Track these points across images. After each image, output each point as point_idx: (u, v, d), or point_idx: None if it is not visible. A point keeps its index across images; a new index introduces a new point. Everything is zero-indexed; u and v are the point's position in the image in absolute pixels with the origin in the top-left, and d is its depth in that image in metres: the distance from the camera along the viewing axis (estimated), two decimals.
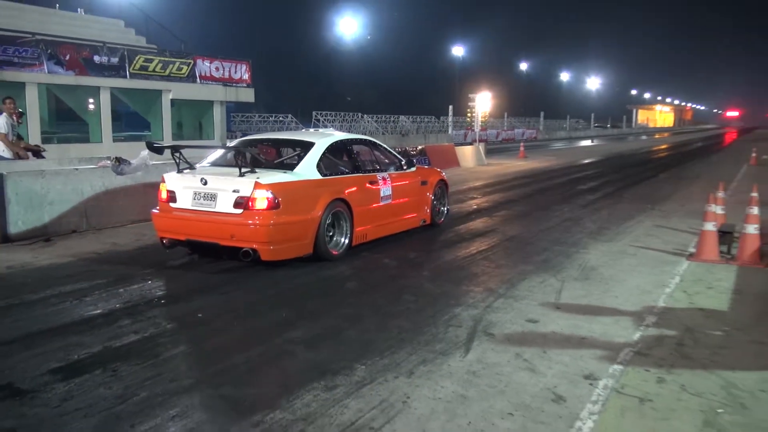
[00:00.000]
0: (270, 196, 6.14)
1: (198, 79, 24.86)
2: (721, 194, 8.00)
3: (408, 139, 41.95)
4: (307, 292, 5.80)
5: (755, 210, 7.04)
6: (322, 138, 7.47)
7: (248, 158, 6.59)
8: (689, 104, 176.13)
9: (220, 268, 6.60)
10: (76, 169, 9.13)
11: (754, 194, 7.45)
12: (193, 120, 27.41)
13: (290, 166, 6.88)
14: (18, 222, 7.91)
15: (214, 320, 4.96)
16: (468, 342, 4.44)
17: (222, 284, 6.04)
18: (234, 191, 6.24)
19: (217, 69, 25.74)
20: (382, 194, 7.76)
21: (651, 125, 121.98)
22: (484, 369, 3.97)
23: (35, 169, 8.73)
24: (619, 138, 64.35)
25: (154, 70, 23.07)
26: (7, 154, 10.04)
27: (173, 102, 24.09)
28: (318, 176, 6.85)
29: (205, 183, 6.42)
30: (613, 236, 8.57)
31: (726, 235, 7.41)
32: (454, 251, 7.66)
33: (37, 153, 11.07)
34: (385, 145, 8.74)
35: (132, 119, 28.76)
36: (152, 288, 5.91)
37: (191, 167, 6.90)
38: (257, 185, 6.14)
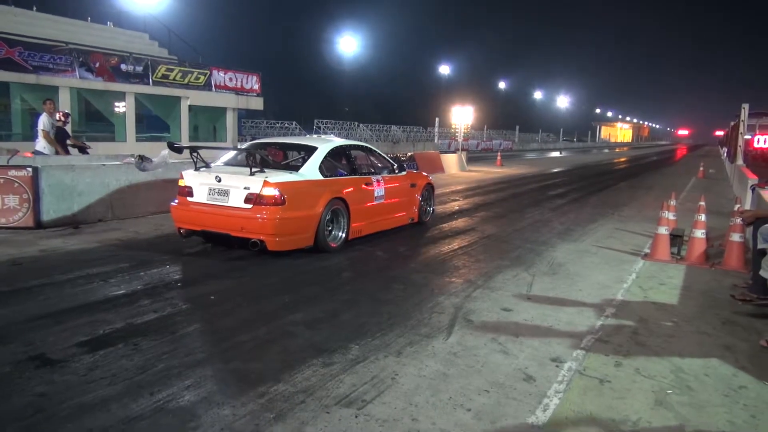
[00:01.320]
0: (277, 193, 6.20)
1: (213, 88, 24.72)
2: (673, 202, 8.04)
3: (398, 146, 41.91)
4: (306, 280, 5.78)
5: (702, 217, 7.11)
6: (324, 143, 7.49)
7: (258, 159, 6.55)
8: (646, 122, 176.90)
9: (229, 256, 6.57)
10: (103, 164, 9.05)
11: (702, 203, 7.49)
12: (208, 124, 27.28)
13: (295, 168, 6.93)
14: (50, 211, 7.84)
15: (224, 302, 4.94)
16: (450, 327, 4.45)
17: (232, 270, 6.01)
18: (245, 188, 6.28)
19: (230, 79, 25.61)
20: (375, 194, 7.80)
21: (612, 140, 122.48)
22: (463, 351, 3.97)
23: (66, 164, 8.66)
24: (584, 150, 64.58)
25: (174, 79, 22.93)
26: (47, 150, 9.97)
27: (191, 108, 23.97)
28: (320, 177, 6.90)
29: (219, 180, 6.45)
30: (578, 237, 8.61)
31: (676, 238, 7.46)
32: (438, 246, 7.67)
33: (83, 149, 10.99)
34: (379, 151, 8.76)
35: (153, 122, 28.50)
36: (169, 272, 5.88)
37: (207, 166, 6.91)
38: (266, 183, 6.20)
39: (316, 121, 41.13)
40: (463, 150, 26.00)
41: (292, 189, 6.39)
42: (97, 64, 20.34)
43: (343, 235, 7.14)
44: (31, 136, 21.92)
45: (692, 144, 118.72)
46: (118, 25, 26.57)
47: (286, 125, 39.08)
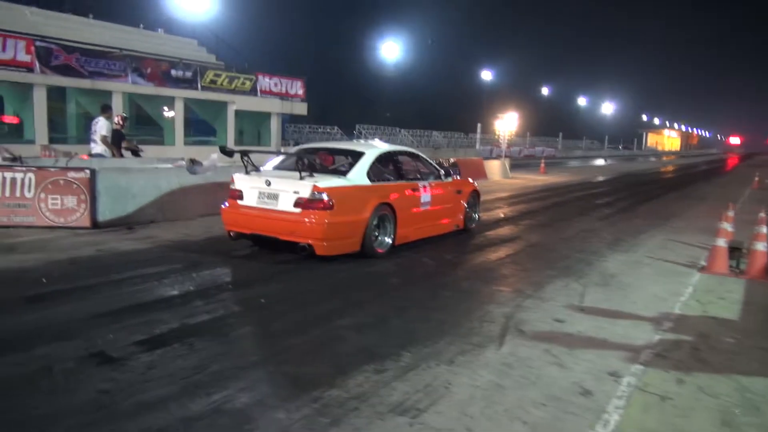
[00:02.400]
0: (325, 197, 6.22)
1: (259, 93, 25.18)
2: (731, 213, 7.74)
3: (440, 152, 41.78)
4: (354, 285, 5.80)
5: (764, 229, 6.82)
6: (372, 148, 7.49)
7: (306, 164, 6.60)
8: (695, 130, 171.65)
9: (277, 259, 6.64)
10: (156, 167, 9.31)
11: (763, 215, 7.20)
12: (252, 128, 27.77)
13: (343, 173, 6.92)
14: (105, 211, 8.10)
15: (274, 305, 4.99)
16: (501, 337, 4.38)
17: (280, 274, 6.07)
18: (294, 192, 6.34)
19: (275, 84, 26.04)
20: (422, 200, 7.74)
21: (659, 148, 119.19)
22: (517, 362, 3.90)
23: (121, 167, 8.94)
24: (629, 158, 63.04)
25: (221, 84, 23.46)
26: (107, 153, 10.33)
27: (237, 112, 24.47)
28: (367, 182, 6.88)
29: (269, 184, 6.53)
30: (629, 247, 8.38)
31: (735, 251, 7.18)
32: (484, 254, 7.58)
33: (136, 152, 11.35)
34: (425, 157, 8.66)
35: (200, 126, 29.20)
36: (220, 274, 5.99)
37: (257, 170, 7.01)
38: (315, 188, 6.23)
39: (357, 125, 41.42)
40: (505, 157, 25.70)
41: (341, 194, 6.39)
42: (149, 70, 20.98)
43: (390, 240, 7.11)
44: (85, 139, 22.77)
45: (744, 153, 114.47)
46: (168, 32, 27.35)
47: (328, 130, 39.45)
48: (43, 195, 7.80)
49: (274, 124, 26.42)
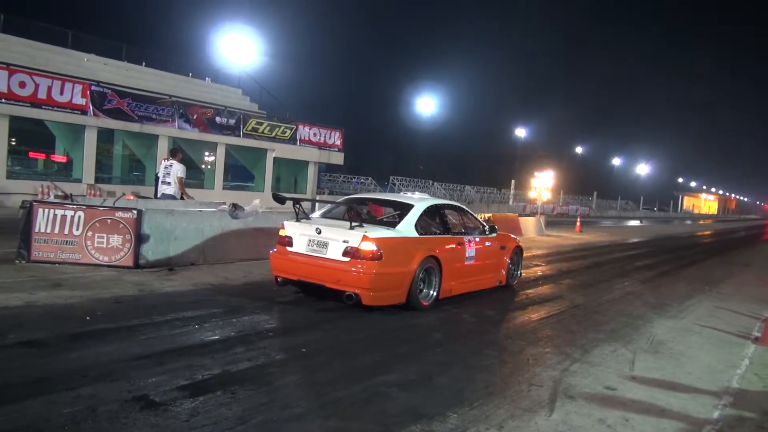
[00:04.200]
0: (374, 248, 6.21)
1: (298, 142, 25.77)
2: None
3: (472, 206, 41.66)
4: (398, 337, 5.67)
5: None
6: (420, 201, 7.48)
7: (356, 214, 6.62)
8: (733, 194, 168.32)
9: (319, 307, 6.57)
10: (200, 211, 9.45)
11: None
12: (289, 176, 28.31)
13: (392, 224, 6.93)
14: (149, 252, 8.19)
15: (316, 355, 4.89)
16: (551, 402, 4.19)
17: (322, 323, 5.99)
18: (344, 241, 6.33)
19: (314, 134, 26.64)
20: (467, 255, 7.68)
21: (696, 211, 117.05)
22: (569, 431, 3.71)
23: (166, 209, 9.10)
24: (665, 221, 61.97)
25: (263, 132, 24.11)
26: (178, 195, 10.60)
27: (275, 159, 25.01)
28: (415, 234, 6.85)
29: (320, 232, 6.55)
30: (676, 313, 8.07)
31: None
32: (527, 313, 7.39)
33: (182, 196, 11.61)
34: (470, 211, 8.62)
35: (238, 171, 29.95)
36: (260, 320, 5.93)
37: (307, 217, 7.06)
38: (365, 238, 6.22)
39: (391, 177, 41.81)
40: (540, 214, 25.48)
41: (389, 245, 6.38)
42: (195, 116, 21.72)
43: (435, 293, 7.00)
44: (129, 180, 23.44)
45: None
46: (215, 81, 28.42)
47: (362, 180, 39.92)
48: (90, 233, 7.95)
49: (311, 173, 26.89)
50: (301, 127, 26.04)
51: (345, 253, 6.30)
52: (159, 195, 10.61)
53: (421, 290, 6.87)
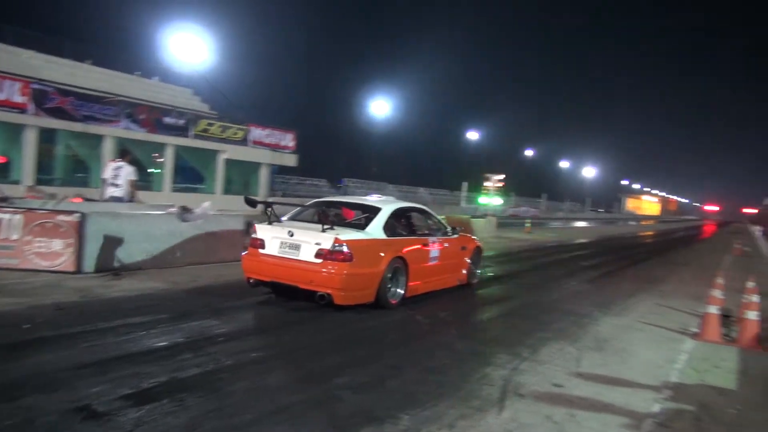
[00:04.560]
0: (346, 249, 6.38)
1: (250, 143, 25.39)
2: (720, 280, 7.77)
3: None
4: (351, 340, 5.66)
5: (755, 298, 6.84)
6: (387, 204, 7.71)
7: (326, 216, 6.82)
8: (674, 196, 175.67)
9: (270, 311, 6.50)
10: (147, 213, 9.19)
11: (752, 283, 7.24)
12: (241, 178, 27.86)
13: (362, 226, 7.10)
14: (92, 256, 7.91)
15: (268, 359, 4.83)
16: (501, 401, 4.26)
17: (273, 327, 5.93)
18: (316, 243, 6.47)
19: (267, 136, 26.33)
20: (431, 255, 7.89)
21: (638, 212, 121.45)
22: (519, 428, 3.78)
23: (111, 212, 8.80)
24: (610, 221, 63.96)
25: (214, 133, 23.67)
26: (127, 197, 10.17)
27: (227, 161, 24.58)
28: (383, 236, 7.05)
29: (292, 235, 6.67)
30: (619, 311, 8.34)
31: (726, 319, 7.18)
32: (479, 313, 7.52)
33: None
34: (434, 213, 8.88)
35: (188, 173, 29.27)
36: (210, 325, 5.79)
37: (278, 220, 7.18)
38: (336, 240, 6.39)
39: (345, 179, 41.71)
40: (492, 215, 25.93)
41: (359, 246, 6.57)
42: (142, 116, 21.12)
43: (402, 292, 7.23)
44: (73, 181, 22.54)
45: (721, 220, 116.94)
46: (164, 81, 27.70)
47: (316, 182, 39.64)
48: (29, 237, 7.62)
49: (264, 175, 26.55)
50: (253, 128, 25.69)
51: (317, 255, 6.43)
52: (106, 197, 10.25)
53: (390, 289, 7.03)
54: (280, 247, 6.74)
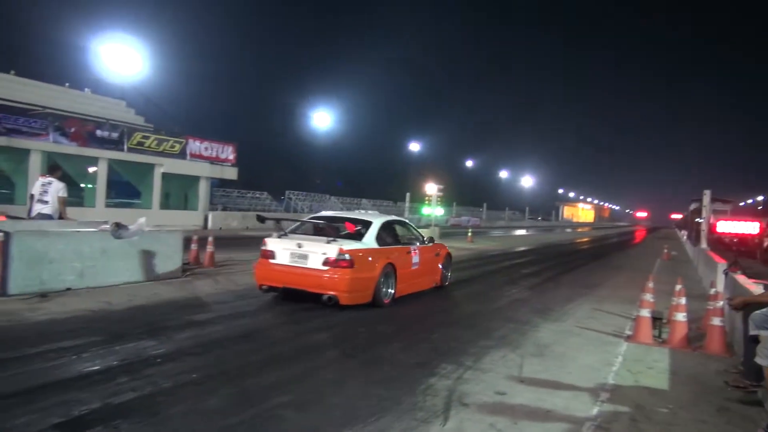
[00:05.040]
0: (348, 258, 7.52)
1: (188, 157, 24.75)
2: (651, 284, 8.12)
3: None
4: (290, 357, 5.54)
5: (683, 300, 7.18)
6: (377, 218, 8.86)
7: (325, 230, 8.19)
8: (607, 204, 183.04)
9: (210, 330, 6.32)
10: (78, 231, 8.78)
11: (680, 286, 7.60)
12: (180, 192, 27.10)
13: (358, 237, 8.17)
14: (18, 278, 7.47)
15: (208, 380, 4.68)
16: (445, 411, 4.28)
17: (213, 346, 5.74)
18: (323, 253, 7.58)
19: (206, 149, 25.73)
20: (413, 261, 9.09)
21: (574, 220, 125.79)
22: None
23: (39, 230, 8.37)
24: (548, 229, 65.94)
25: (149, 147, 22.92)
26: (56, 215, 9.66)
27: (164, 175, 23.85)
28: (377, 245, 8.23)
29: (300, 246, 7.78)
30: (558, 317, 8.59)
31: (656, 321, 7.50)
32: (421, 323, 7.54)
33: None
34: (412, 225, 10.17)
35: (123, 188, 28.22)
36: (147, 347, 5.57)
37: (285, 234, 8.25)
38: (341, 250, 7.54)
39: (287, 192, 41.23)
40: (434, 225, 26.22)
41: (359, 254, 7.73)
42: (72, 129, 20.24)
43: (393, 291, 8.35)
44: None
45: (651, 226, 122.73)
46: (96, 92, 26.67)
47: (257, 195, 38.98)
48: None
49: (203, 188, 25.90)
50: (191, 141, 25.04)
51: (324, 263, 7.54)
52: (33, 214, 9.72)
53: (383, 290, 8.12)
54: (291, 257, 7.79)
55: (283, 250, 7.87)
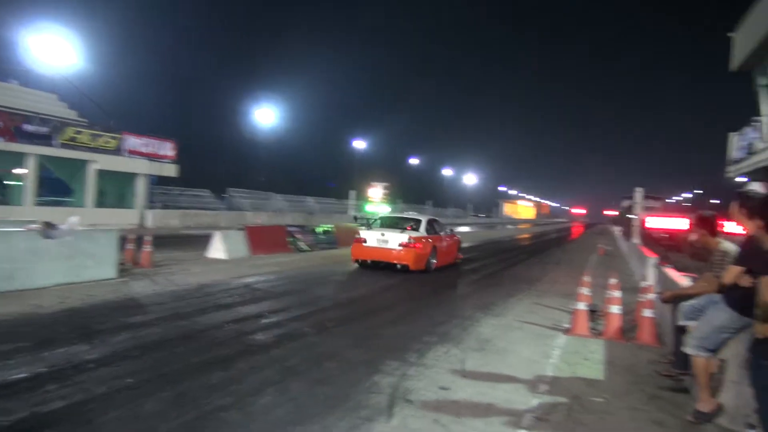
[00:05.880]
0: (414, 242, 12.36)
1: (126, 153, 23.84)
2: (587, 278, 8.40)
3: (314, 217, 41.80)
4: (229, 358, 5.40)
5: (617, 293, 7.46)
6: (423, 217, 13.86)
7: (397, 225, 13.23)
8: (546, 201, 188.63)
9: (147, 332, 6.09)
10: (4, 231, 8.29)
11: (614, 280, 7.88)
12: (116, 189, 26.09)
13: (416, 229, 12.91)
14: None
15: (144, 384, 4.50)
16: (389, 408, 4.29)
17: (150, 349, 5.53)
18: (398, 239, 12.42)
19: (144, 145, 24.88)
20: (443, 244, 13.89)
21: (515, 216, 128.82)
22: None
23: None
24: (490, 226, 67.28)
25: (83, 142, 21.94)
26: None
27: (99, 172, 22.89)
28: (426, 234, 13.01)
29: (383, 234, 12.66)
30: (500, 312, 8.76)
31: (593, 314, 7.76)
32: (366, 320, 7.52)
33: None
34: (440, 220, 15.01)
35: (54, 185, 26.88)
36: (78, 351, 5.32)
37: (369, 227, 13.28)
38: (410, 237, 12.41)
39: (229, 189, 40.31)
40: None
41: (419, 240, 12.58)
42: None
43: (435, 262, 13.20)
44: None
45: (587, 222, 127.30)
46: (25, 85, 25.27)
47: (198, 193, 37.89)
48: None
49: (141, 186, 25.04)
50: (128, 136, 24.14)
51: (400, 245, 12.38)
52: None
53: (430, 261, 12.96)
54: (377, 241, 12.68)
55: (371, 236, 12.84)
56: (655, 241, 29.89)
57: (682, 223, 25.63)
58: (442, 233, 13.89)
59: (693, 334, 4.43)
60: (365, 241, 12.72)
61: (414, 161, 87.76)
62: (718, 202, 60.17)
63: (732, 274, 4.17)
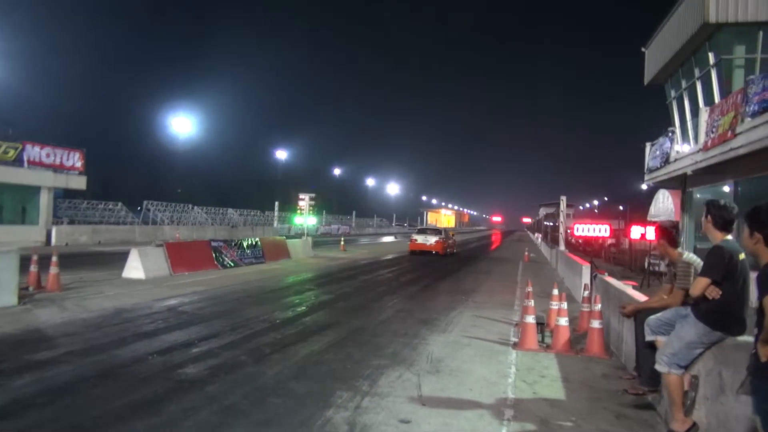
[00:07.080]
0: (442, 239, 26.76)
1: (26, 164, 21.87)
2: (530, 289, 8.25)
3: (237, 230, 40.36)
4: (164, 397, 4.72)
5: (564, 305, 7.30)
6: (441, 228, 30.39)
7: (430, 231, 28.89)
8: (466, 210, 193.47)
9: (57, 372, 5.25)
10: None
11: (556, 291, 7.75)
12: (15, 204, 23.91)
13: (439, 234, 27.44)
14: None
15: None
16: None
17: (62, 394, 4.73)
18: (434, 238, 26.75)
19: (48, 155, 22.96)
20: (450, 241, 28.46)
21: (438, 225, 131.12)
22: None
23: None
24: None
25: None
26: None
27: None
28: (444, 236, 27.25)
29: (426, 236, 26.91)
30: (444, 327, 8.45)
31: (539, 326, 7.59)
32: (307, 344, 6.95)
33: None
34: (444, 229, 30.40)
35: None
36: None
37: (417, 231, 29.42)
38: (440, 237, 26.95)
39: (145, 202, 38.13)
40: (306, 236, 25.59)
41: (442, 239, 26.86)
42: None
43: (450, 251, 28.17)
44: None
45: (505, 230, 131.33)
46: None
47: (110, 206, 35.55)
48: None
49: (44, 200, 23.07)
50: (29, 146, 22.15)
51: (434, 242, 26.41)
52: None
53: (447, 250, 27.15)
54: (422, 240, 26.42)
55: (419, 237, 26.78)
56: (573, 246, 31.04)
57: (603, 230, 26.82)
58: (447, 234, 28.15)
59: (664, 351, 4.23)
60: (416, 240, 26.27)
61: (337, 171, 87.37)
62: (621, 208, 63.97)
63: (700, 285, 4.01)
